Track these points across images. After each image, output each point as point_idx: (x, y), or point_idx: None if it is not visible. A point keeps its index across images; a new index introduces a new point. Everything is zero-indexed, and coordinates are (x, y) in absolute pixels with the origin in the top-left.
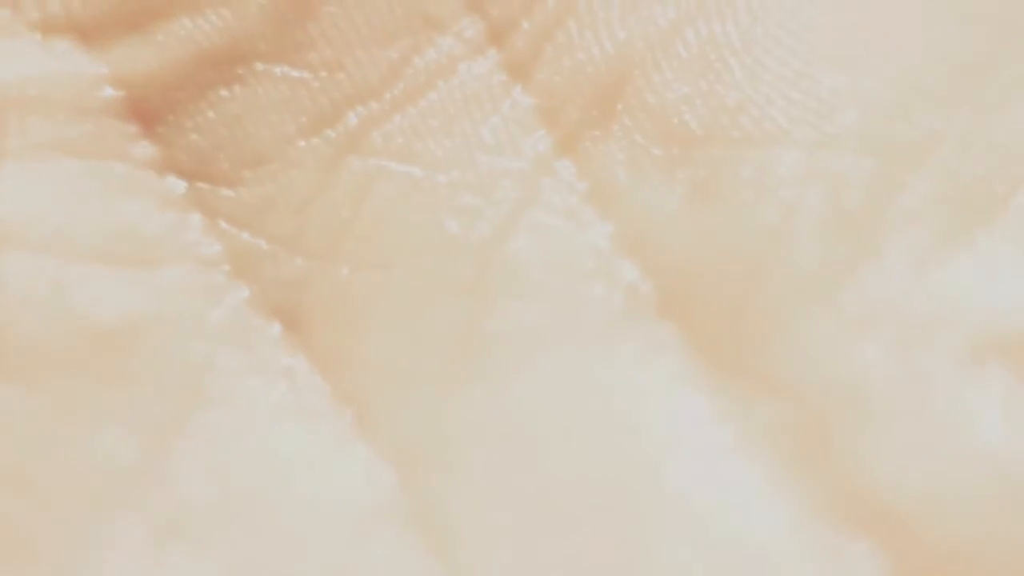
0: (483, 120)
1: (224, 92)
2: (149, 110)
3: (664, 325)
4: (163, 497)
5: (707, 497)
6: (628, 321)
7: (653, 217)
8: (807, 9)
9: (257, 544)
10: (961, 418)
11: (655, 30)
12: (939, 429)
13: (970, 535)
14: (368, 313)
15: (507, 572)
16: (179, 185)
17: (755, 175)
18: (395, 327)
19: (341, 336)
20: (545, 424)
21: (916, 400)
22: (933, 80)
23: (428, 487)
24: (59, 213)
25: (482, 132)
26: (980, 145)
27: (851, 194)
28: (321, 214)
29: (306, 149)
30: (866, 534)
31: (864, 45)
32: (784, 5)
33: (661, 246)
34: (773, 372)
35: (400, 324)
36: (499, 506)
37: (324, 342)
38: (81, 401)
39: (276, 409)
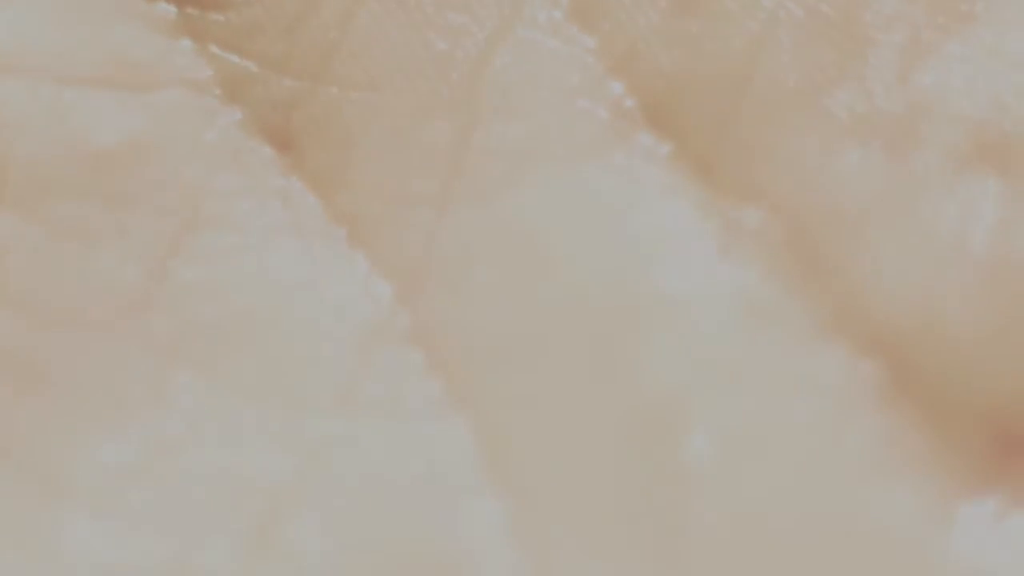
0: None
1: None
2: None
3: (650, 138)
4: (165, 320)
5: (696, 304)
6: (615, 135)
7: (637, 31)
8: None
9: (260, 364)
10: (951, 224)
11: None
12: (929, 237)
13: (965, 344)
14: (359, 133)
15: (506, 384)
16: (169, 10)
17: None
18: (386, 146)
19: (333, 156)
20: (537, 237)
21: (904, 207)
22: None
23: (425, 303)
24: (52, 39)
25: None
26: None
27: (831, 0)
28: (309, 36)
29: None
30: (857, 346)
31: None
32: None
33: (645, 60)
34: (759, 182)
35: (390, 143)
36: (495, 320)
37: (316, 163)
38: (82, 225)
39: (271, 229)
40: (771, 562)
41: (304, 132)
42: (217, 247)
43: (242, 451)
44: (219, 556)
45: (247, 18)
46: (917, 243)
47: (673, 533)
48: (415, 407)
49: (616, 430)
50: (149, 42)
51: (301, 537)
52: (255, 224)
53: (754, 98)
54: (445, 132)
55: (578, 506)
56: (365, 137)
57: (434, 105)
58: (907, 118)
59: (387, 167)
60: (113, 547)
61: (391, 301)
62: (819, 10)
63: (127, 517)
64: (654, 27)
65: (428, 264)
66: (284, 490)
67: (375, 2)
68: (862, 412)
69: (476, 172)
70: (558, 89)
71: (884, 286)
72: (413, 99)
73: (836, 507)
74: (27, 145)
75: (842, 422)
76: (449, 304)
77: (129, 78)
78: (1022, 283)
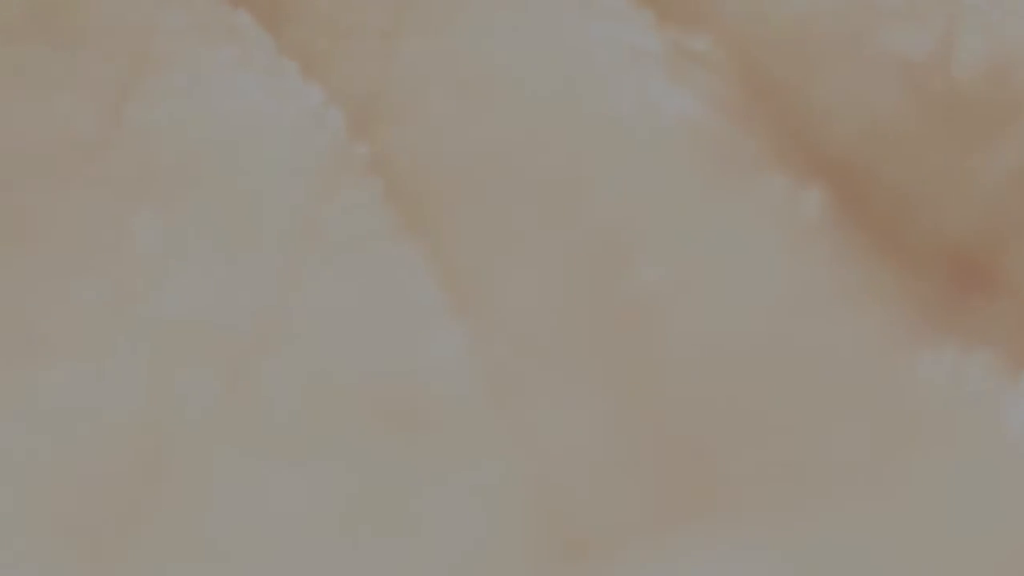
0: None
1: None
2: None
3: None
4: (122, 164)
5: (645, 131)
6: None
7: None
8: None
9: (220, 201)
10: (903, 49)
11: None
12: (880, 62)
13: (918, 172)
14: None
15: (464, 211)
16: None
17: None
18: None
19: None
20: (489, 64)
21: (854, 32)
22: None
23: (380, 134)
24: None
25: None
26: None
27: None
28: None
29: None
30: (806, 173)
31: None
32: None
33: None
34: (707, 7)
35: None
36: (451, 148)
37: None
38: (32, 71)
39: (223, 67)
40: (725, 390)
41: None
42: (169, 87)
43: (208, 289)
44: (195, 396)
45: None
46: (867, 68)
47: (631, 359)
48: (375, 237)
49: (571, 257)
50: None
51: (272, 372)
52: (206, 62)
53: None
54: None
55: (537, 332)
56: None
57: None
58: None
59: (338, 1)
60: (87, 394)
61: (347, 132)
62: None
63: (99, 363)
64: None
65: (383, 94)
66: (252, 326)
67: None
68: (813, 240)
69: (426, 2)
70: None
71: (834, 112)
72: None
73: (792, 336)
74: None
75: (794, 250)
76: (405, 133)
77: None
78: (974, 107)
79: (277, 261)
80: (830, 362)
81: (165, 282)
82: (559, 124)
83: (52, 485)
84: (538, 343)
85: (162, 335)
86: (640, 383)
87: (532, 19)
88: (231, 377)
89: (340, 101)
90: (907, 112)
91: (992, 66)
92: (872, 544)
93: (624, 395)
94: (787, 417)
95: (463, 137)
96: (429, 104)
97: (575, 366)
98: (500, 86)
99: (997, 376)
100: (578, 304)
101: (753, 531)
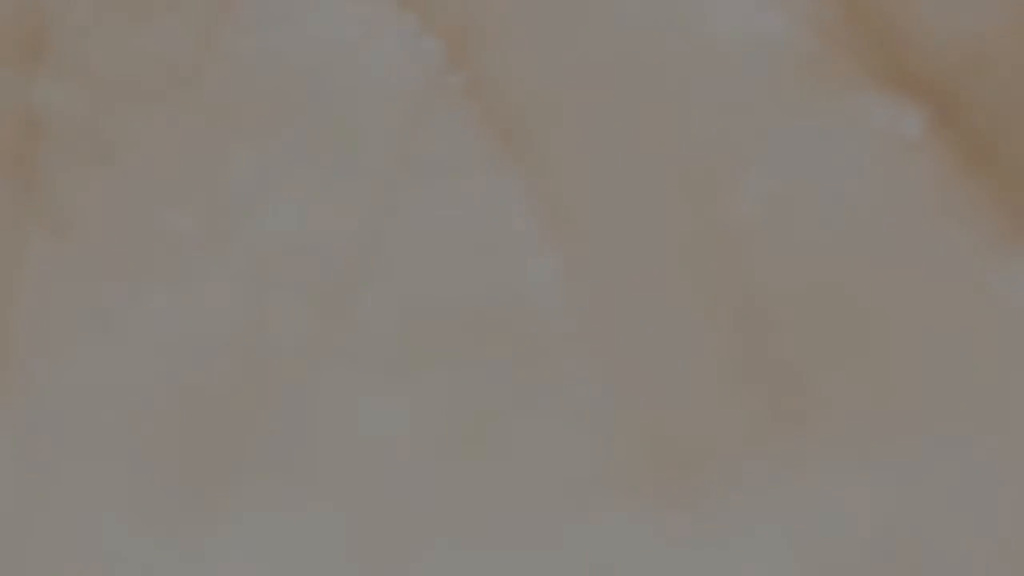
0: None
1: None
2: None
3: None
4: (217, 91)
5: (744, 54)
6: None
7: None
8: None
9: (317, 128)
10: None
11: None
12: None
13: (1014, 88)
14: None
15: (561, 137)
16: None
17: None
18: None
19: None
20: None
21: None
22: None
23: (477, 60)
24: None
25: None
26: None
27: None
28: None
29: None
30: (904, 92)
31: None
32: None
33: None
34: None
35: None
36: (548, 74)
37: None
38: None
39: None
40: (822, 312)
41: None
42: (264, 14)
43: (305, 217)
44: (292, 323)
45: None
46: None
47: (727, 281)
48: (470, 163)
49: (667, 179)
50: None
51: (368, 298)
52: None
53: None
54: None
55: (632, 255)
56: None
57: None
58: None
59: None
60: (184, 322)
61: (444, 59)
62: None
63: (200, 288)
64: None
65: (478, 21)
66: (348, 252)
67: None
68: (911, 158)
69: None
70: None
71: (931, 34)
72: None
73: (889, 255)
74: None
75: (891, 169)
76: (502, 60)
77: None
78: None
79: (373, 188)
80: (928, 281)
81: (260, 209)
82: (655, 47)
83: (151, 412)
84: (634, 266)
85: (258, 262)
86: (736, 305)
87: None
88: (328, 303)
89: (436, 28)
90: (1003, 34)
91: None
92: (971, 467)
93: (719, 317)
94: (886, 339)
95: (558, 62)
96: (524, 30)
97: (670, 288)
98: (596, 10)
99: None
100: (674, 226)
101: (850, 454)
